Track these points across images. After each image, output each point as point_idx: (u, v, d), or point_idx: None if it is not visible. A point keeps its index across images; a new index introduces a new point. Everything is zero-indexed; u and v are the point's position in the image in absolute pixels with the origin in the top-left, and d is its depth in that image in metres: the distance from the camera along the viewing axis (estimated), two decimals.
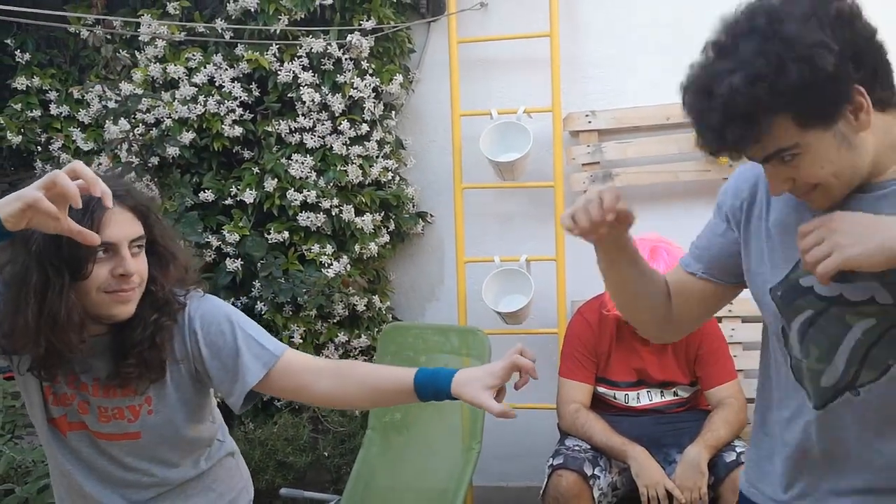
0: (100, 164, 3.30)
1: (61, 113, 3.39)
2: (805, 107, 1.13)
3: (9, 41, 3.41)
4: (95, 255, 1.42)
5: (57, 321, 1.41)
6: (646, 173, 3.37)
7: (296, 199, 3.19)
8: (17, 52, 3.39)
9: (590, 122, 3.38)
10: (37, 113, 3.39)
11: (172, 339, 1.55)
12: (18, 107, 3.38)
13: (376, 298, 3.41)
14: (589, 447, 2.68)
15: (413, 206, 3.57)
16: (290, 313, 3.26)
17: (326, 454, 3.12)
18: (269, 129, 3.26)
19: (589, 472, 2.58)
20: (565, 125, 3.37)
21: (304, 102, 3.22)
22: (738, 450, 2.58)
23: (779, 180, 1.21)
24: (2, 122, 3.37)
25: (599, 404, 2.83)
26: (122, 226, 1.45)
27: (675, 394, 2.80)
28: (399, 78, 3.35)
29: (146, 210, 1.50)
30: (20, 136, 3.37)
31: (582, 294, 3.08)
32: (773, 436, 1.40)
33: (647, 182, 3.38)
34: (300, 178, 3.22)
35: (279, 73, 3.21)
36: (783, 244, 1.30)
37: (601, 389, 2.82)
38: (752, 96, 1.11)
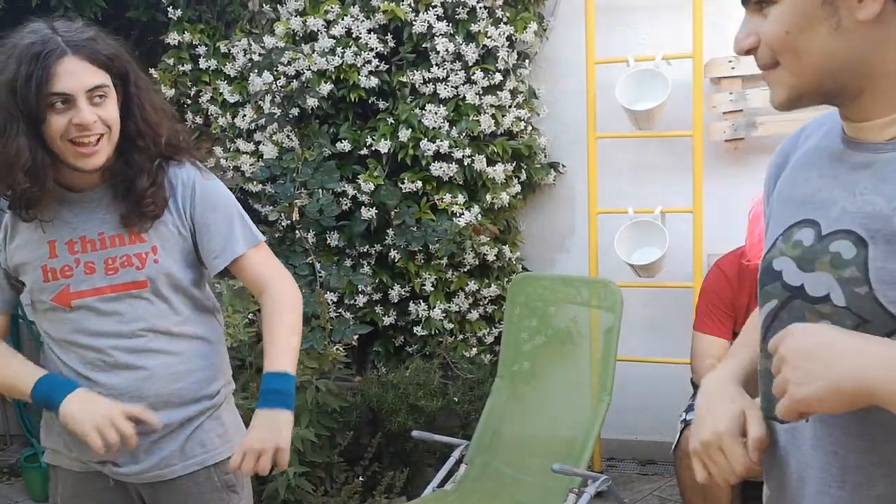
0: (244, 115, 3.45)
1: (210, 66, 3.55)
2: None
3: None
4: (53, 105, 1.45)
5: (13, 163, 1.46)
6: (792, 122, 3.17)
7: (429, 149, 3.23)
8: (170, 9, 3.56)
9: (733, 67, 3.23)
10: (187, 67, 3.57)
11: (173, 188, 1.60)
12: (171, 61, 3.57)
13: (506, 248, 3.43)
14: None
15: (545, 157, 3.54)
16: (423, 261, 3.33)
17: (456, 400, 3.19)
18: (404, 79, 3.30)
19: None
20: (706, 71, 3.23)
21: (438, 52, 3.23)
22: None
23: (745, 31, 0.98)
24: (156, 75, 3.56)
25: None
26: (78, 76, 1.46)
27: None
28: (533, 26, 3.30)
29: (107, 58, 1.50)
30: (173, 90, 3.56)
31: (720, 247, 2.98)
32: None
33: (795, 130, 3.20)
34: (433, 128, 3.25)
35: (414, 23, 3.24)
36: (775, 215, 1.08)
37: None
38: None
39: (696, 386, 2.79)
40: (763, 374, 1.06)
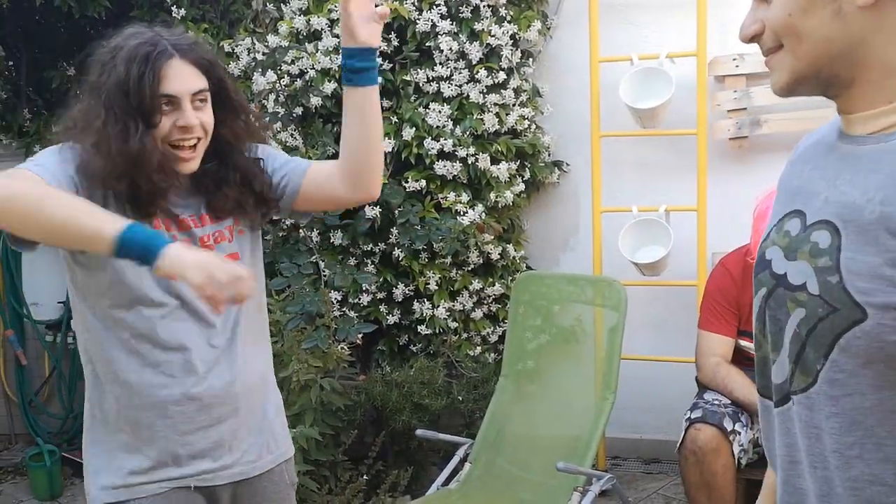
0: None
1: None
2: None
3: None
4: (161, 106, 1.47)
5: (139, 162, 1.45)
6: (796, 120, 3.19)
7: (433, 148, 3.23)
8: (174, 8, 3.57)
9: (737, 66, 3.22)
10: None
11: (257, 176, 1.64)
12: None
13: (510, 247, 3.43)
14: (729, 402, 2.62)
15: (549, 155, 3.54)
16: (426, 260, 3.33)
17: (461, 398, 3.19)
18: (408, 78, 3.30)
19: (729, 428, 2.53)
20: (710, 70, 3.23)
21: (441, 51, 3.24)
22: None
23: (751, 18, 1.01)
24: None
25: (741, 358, 2.75)
26: (185, 79, 1.49)
27: None
28: (537, 24, 3.30)
29: (209, 64, 1.53)
30: None
31: (724, 246, 2.98)
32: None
33: (798, 129, 3.19)
34: (437, 126, 3.25)
35: (417, 21, 3.24)
36: (773, 208, 1.13)
37: (743, 343, 2.73)
38: None
39: (700, 384, 2.79)
40: (761, 360, 1.10)
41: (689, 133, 3.23)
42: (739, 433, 2.56)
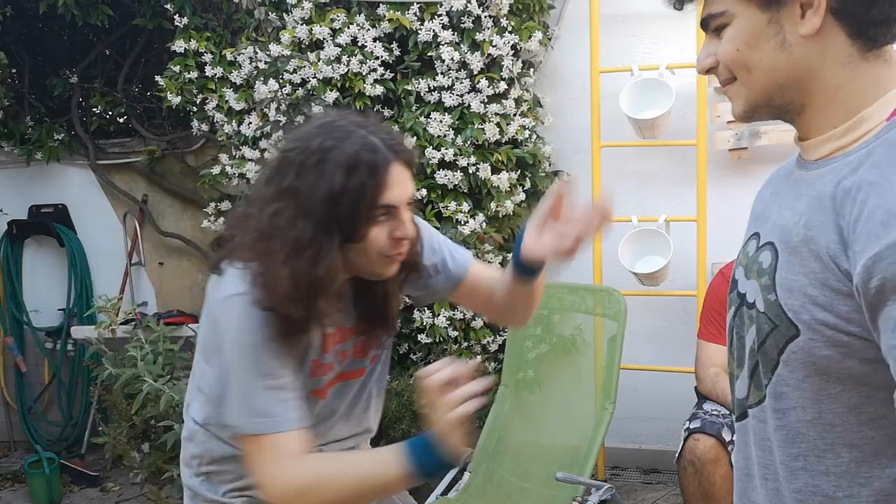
0: (250, 122, 3.47)
1: (216, 74, 3.56)
2: None
3: (168, 6, 3.61)
4: (375, 218, 1.30)
5: (319, 285, 1.29)
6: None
7: (434, 157, 3.24)
8: (176, 17, 3.58)
9: None
10: (193, 74, 3.58)
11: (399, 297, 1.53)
12: (177, 69, 3.58)
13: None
14: (728, 412, 2.62)
15: (549, 165, 3.55)
16: None
17: None
18: (409, 87, 3.31)
19: (727, 438, 2.53)
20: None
21: (443, 61, 3.25)
22: None
23: (705, 53, 1.05)
24: (163, 83, 3.58)
25: None
26: (404, 185, 1.33)
27: None
28: (538, 35, 3.32)
29: (411, 164, 1.37)
30: (179, 97, 3.58)
31: (724, 256, 2.99)
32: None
33: None
34: (438, 136, 3.26)
35: (419, 31, 3.25)
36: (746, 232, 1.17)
37: None
38: None
39: (700, 395, 2.79)
40: (730, 378, 1.15)
41: (690, 144, 3.24)
42: None
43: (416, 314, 3.29)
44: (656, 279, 3.22)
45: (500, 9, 3.26)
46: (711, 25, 1.03)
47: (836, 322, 0.93)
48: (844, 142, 0.99)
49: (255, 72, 3.42)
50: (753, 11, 0.98)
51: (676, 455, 2.60)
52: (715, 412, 2.63)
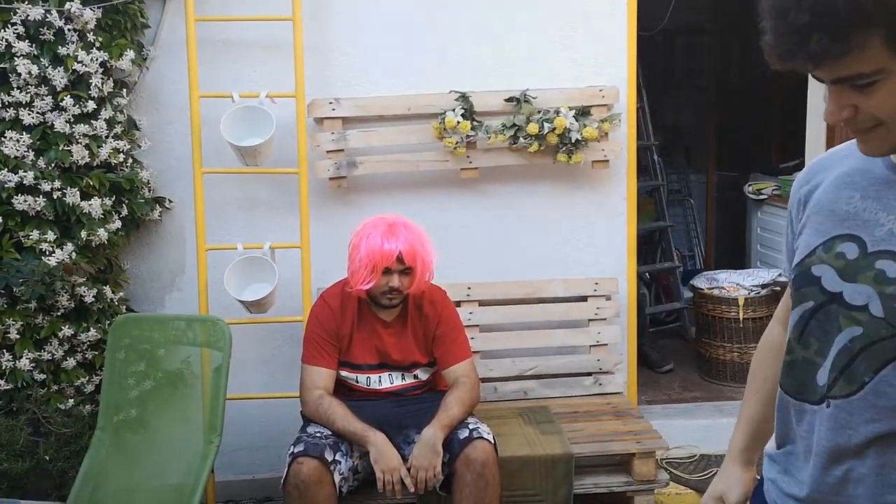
0: None
1: None
2: None
3: None
4: None
5: None
6: (388, 162, 3.44)
7: (10, 181, 2.90)
8: None
9: (333, 109, 3.38)
10: None
11: None
12: None
13: (107, 289, 3.19)
14: (330, 433, 2.70)
15: (149, 191, 3.37)
16: (5, 306, 2.96)
17: (48, 458, 2.87)
18: None
19: (330, 458, 2.60)
20: (309, 111, 3.35)
21: (19, 74, 2.92)
22: (472, 426, 2.72)
23: (840, 105, 1.07)
24: None
25: (342, 388, 2.86)
26: None
27: (416, 377, 2.90)
28: (130, 54, 3.14)
29: None
30: None
31: (328, 280, 3.09)
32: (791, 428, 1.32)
33: (390, 170, 3.46)
34: (16, 157, 2.92)
35: None
36: (813, 225, 1.25)
37: (344, 373, 2.85)
38: (856, 4, 0.96)
39: (305, 418, 2.84)
40: (795, 363, 1.24)
41: (292, 172, 3.31)
42: (340, 462, 2.65)
43: None
44: (263, 306, 3.22)
45: (86, 22, 3.02)
46: (860, 83, 1.04)
47: None
48: None
49: None
50: None
51: (282, 480, 2.61)
52: (318, 434, 2.69)
